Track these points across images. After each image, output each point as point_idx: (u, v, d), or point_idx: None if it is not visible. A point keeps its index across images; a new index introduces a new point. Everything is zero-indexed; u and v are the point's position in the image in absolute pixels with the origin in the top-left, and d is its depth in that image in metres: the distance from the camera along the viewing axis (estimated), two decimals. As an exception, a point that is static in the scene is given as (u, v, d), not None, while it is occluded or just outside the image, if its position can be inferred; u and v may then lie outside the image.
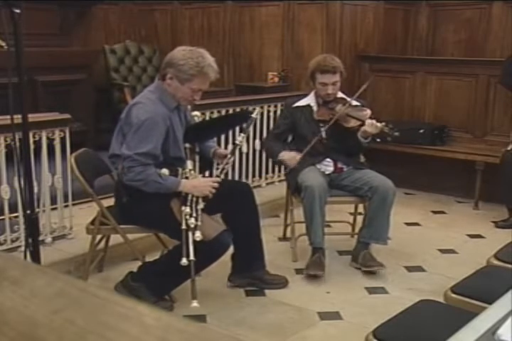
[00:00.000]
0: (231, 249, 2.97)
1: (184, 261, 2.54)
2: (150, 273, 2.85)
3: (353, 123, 3.43)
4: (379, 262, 3.38)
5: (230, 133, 3.97)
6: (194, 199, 2.73)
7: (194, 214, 2.67)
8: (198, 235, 2.58)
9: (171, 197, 2.77)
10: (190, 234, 2.61)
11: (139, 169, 2.69)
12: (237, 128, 3.59)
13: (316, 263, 3.31)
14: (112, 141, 2.85)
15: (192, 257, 2.55)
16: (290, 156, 3.46)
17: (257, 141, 4.44)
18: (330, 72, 3.41)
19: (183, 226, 2.63)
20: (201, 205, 2.74)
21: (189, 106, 3.07)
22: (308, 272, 3.28)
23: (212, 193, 2.77)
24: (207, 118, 4.08)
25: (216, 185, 2.79)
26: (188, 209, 2.68)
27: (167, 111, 2.80)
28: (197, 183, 2.80)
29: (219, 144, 3.84)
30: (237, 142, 3.05)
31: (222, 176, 2.93)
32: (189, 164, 2.90)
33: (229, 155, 2.98)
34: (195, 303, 2.57)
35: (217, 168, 3.03)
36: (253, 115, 3.05)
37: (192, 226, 2.62)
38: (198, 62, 2.74)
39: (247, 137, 3.97)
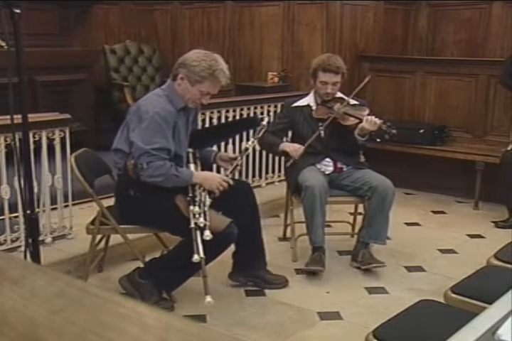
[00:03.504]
0: (232, 248, 2.98)
1: (196, 257, 2.56)
2: (158, 270, 2.86)
3: (350, 121, 3.44)
4: (378, 260, 3.38)
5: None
6: (202, 198, 2.75)
7: (202, 214, 2.68)
8: (208, 234, 2.59)
9: (176, 193, 2.78)
10: (198, 232, 2.62)
11: (159, 163, 2.70)
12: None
13: (316, 260, 3.31)
14: (117, 136, 2.87)
15: (202, 254, 2.57)
16: (294, 147, 3.45)
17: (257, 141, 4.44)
18: (333, 71, 3.42)
19: (192, 225, 2.64)
20: (208, 202, 2.76)
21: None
22: (309, 267, 3.28)
23: (219, 190, 2.79)
24: (207, 118, 4.09)
25: (225, 184, 2.82)
26: (196, 209, 2.69)
27: (174, 110, 2.81)
28: (209, 176, 2.85)
29: (218, 147, 3.86)
30: (246, 146, 3.07)
31: (230, 177, 2.95)
32: (192, 167, 2.92)
33: (238, 158, 3.02)
34: (208, 298, 2.59)
35: (226, 169, 3.05)
36: (263, 122, 3.10)
37: (201, 225, 2.63)
38: (211, 65, 2.75)
39: (247, 135, 3.98)
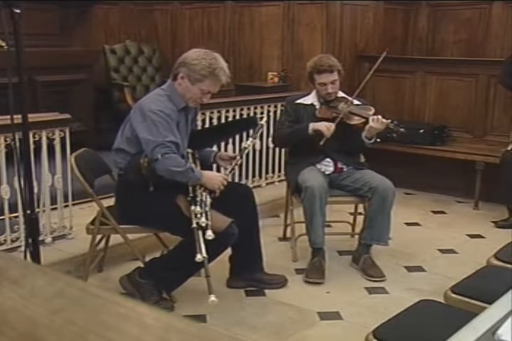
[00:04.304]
0: (229, 251, 2.98)
1: (199, 257, 2.55)
2: (158, 269, 2.86)
3: (356, 120, 3.42)
4: (380, 271, 3.34)
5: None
6: (203, 198, 2.75)
7: (204, 213, 2.68)
8: (210, 234, 2.59)
9: (176, 193, 2.79)
10: (200, 232, 2.62)
11: (173, 155, 2.70)
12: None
13: (316, 267, 3.29)
14: (117, 136, 2.87)
15: (205, 254, 2.57)
16: (326, 126, 3.32)
17: (257, 141, 4.44)
18: (327, 71, 3.41)
19: (194, 225, 2.63)
20: (209, 202, 2.76)
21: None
22: (308, 280, 3.26)
23: (219, 190, 2.80)
24: (207, 118, 4.09)
25: (225, 182, 2.82)
26: (198, 209, 2.69)
27: (176, 110, 2.82)
28: (211, 175, 2.86)
29: (218, 147, 3.86)
30: (245, 145, 3.08)
31: (230, 177, 2.95)
32: None
33: (237, 157, 3.02)
34: (212, 298, 2.59)
35: (226, 168, 3.05)
36: (261, 122, 3.12)
37: (203, 225, 2.63)
38: (211, 64, 2.75)
39: (246, 135, 3.99)
